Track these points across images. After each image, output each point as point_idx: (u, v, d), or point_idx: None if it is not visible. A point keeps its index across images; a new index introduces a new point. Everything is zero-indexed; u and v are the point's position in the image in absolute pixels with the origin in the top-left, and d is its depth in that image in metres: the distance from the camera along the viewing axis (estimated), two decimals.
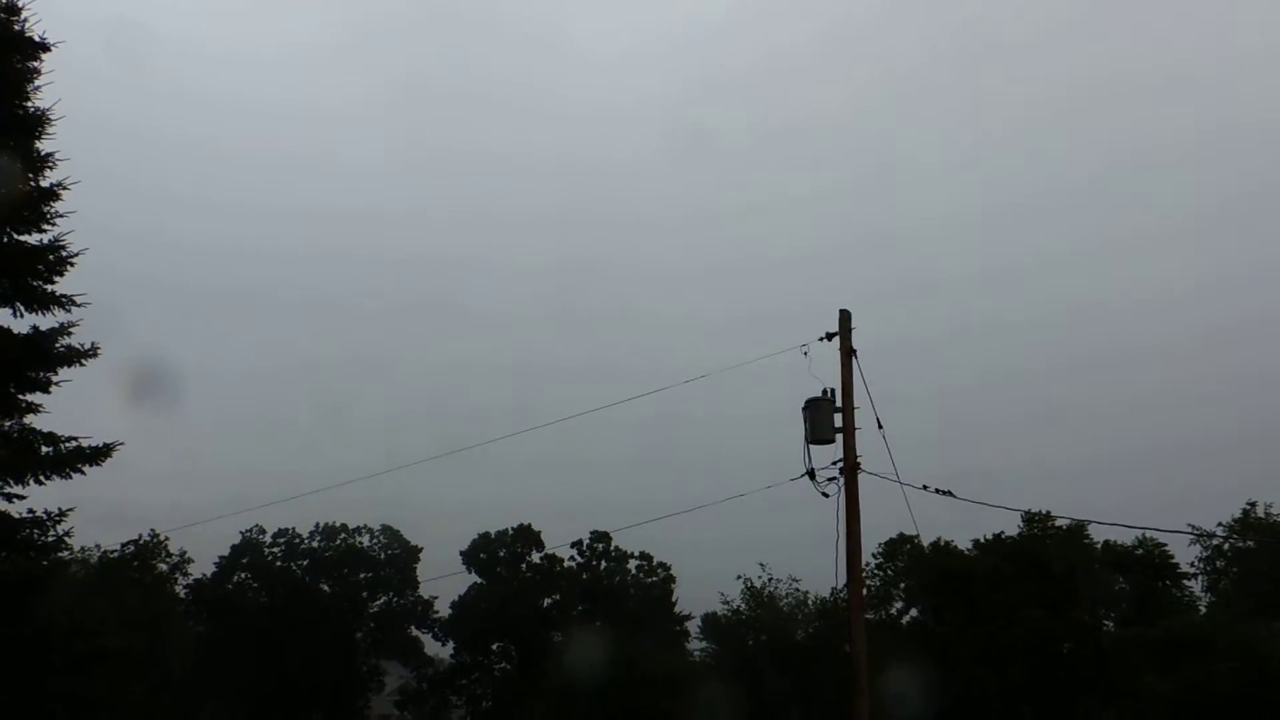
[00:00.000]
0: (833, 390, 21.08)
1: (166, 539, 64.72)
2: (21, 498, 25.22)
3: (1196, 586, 54.71)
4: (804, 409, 21.06)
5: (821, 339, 21.35)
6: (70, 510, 25.33)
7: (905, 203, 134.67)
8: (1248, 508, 52.79)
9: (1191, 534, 49.38)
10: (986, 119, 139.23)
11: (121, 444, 25.65)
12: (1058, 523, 46.66)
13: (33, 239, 25.18)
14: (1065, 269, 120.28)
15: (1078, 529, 46.36)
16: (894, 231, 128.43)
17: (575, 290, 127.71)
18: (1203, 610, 52.01)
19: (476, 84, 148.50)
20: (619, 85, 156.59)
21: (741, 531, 66.43)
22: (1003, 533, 48.54)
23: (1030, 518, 47.03)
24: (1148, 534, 47.86)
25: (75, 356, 25.10)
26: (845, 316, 21.49)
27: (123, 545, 63.37)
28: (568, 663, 56.58)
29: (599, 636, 60.07)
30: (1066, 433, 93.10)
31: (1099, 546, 47.67)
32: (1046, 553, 46.35)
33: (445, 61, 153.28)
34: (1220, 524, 53.41)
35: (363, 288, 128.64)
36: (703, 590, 72.02)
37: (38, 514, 25.23)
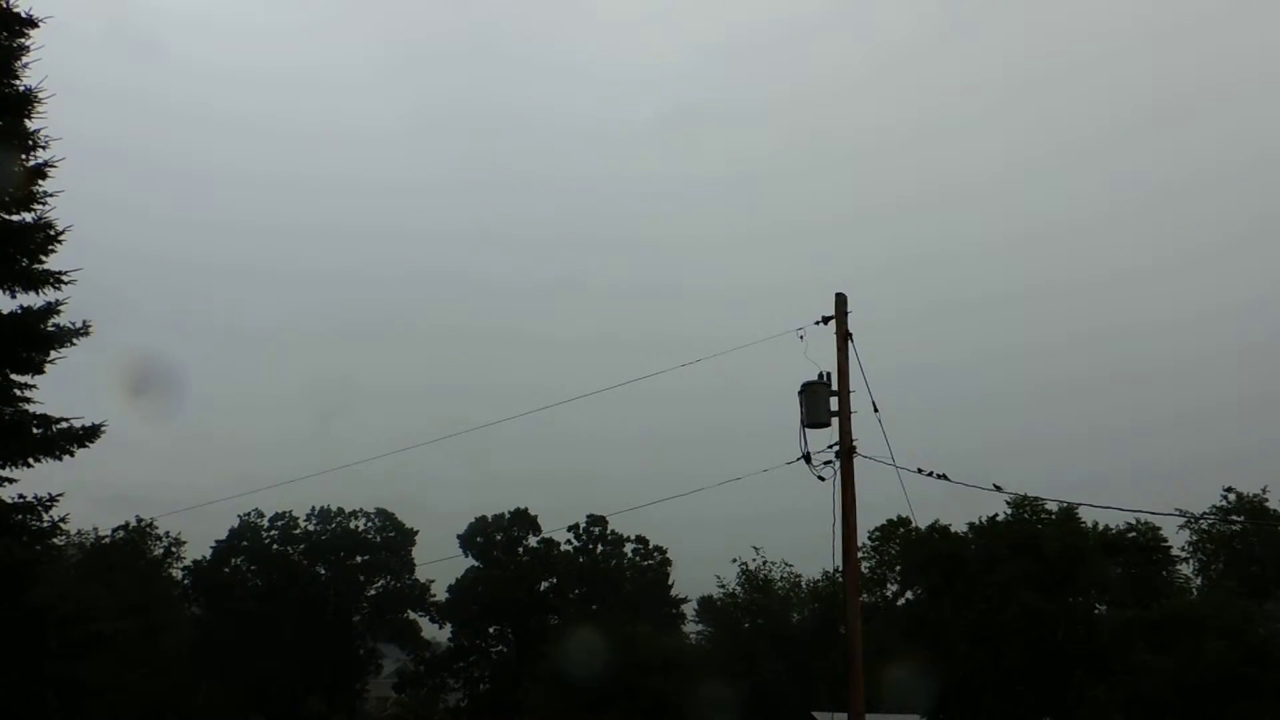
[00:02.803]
0: (829, 374, 20.94)
1: (155, 522, 64.72)
2: (13, 480, 25.08)
3: (1187, 569, 55.01)
4: (800, 393, 20.93)
5: (818, 323, 21.20)
6: (60, 496, 25.20)
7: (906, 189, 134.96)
8: (1225, 493, 52.98)
9: (1180, 516, 49.51)
10: (982, 83, 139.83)
11: (107, 424, 25.52)
12: (1048, 506, 46.65)
13: (20, 218, 24.97)
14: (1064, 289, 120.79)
15: (1069, 513, 46.32)
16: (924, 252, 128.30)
17: (579, 280, 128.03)
18: (1194, 593, 52.15)
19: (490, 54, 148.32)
20: (633, 53, 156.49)
21: (738, 515, 66.64)
22: (997, 515, 48.55)
23: (1019, 502, 46.89)
24: (1140, 518, 48.04)
25: (66, 336, 24.93)
26: (841, 300, 21.34)
27: (114, 530, 63.37)
28: (564, 646, 56.66)
29: (595, 619, 60.16)
30: (1063, 426, 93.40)
31: (1090, 529, 47.63)
32: (1039, 536, 46.33)
33: (463, 81, 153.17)
34: (1210, 509, 53.65)
35: (368, 293, 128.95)
36: (699, 573, 72.30)
37: (27, 499, 25.07)
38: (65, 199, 25.26)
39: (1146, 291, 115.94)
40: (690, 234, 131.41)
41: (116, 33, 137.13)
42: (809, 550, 54.20)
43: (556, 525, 73.55)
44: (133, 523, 64.13)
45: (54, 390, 25.82)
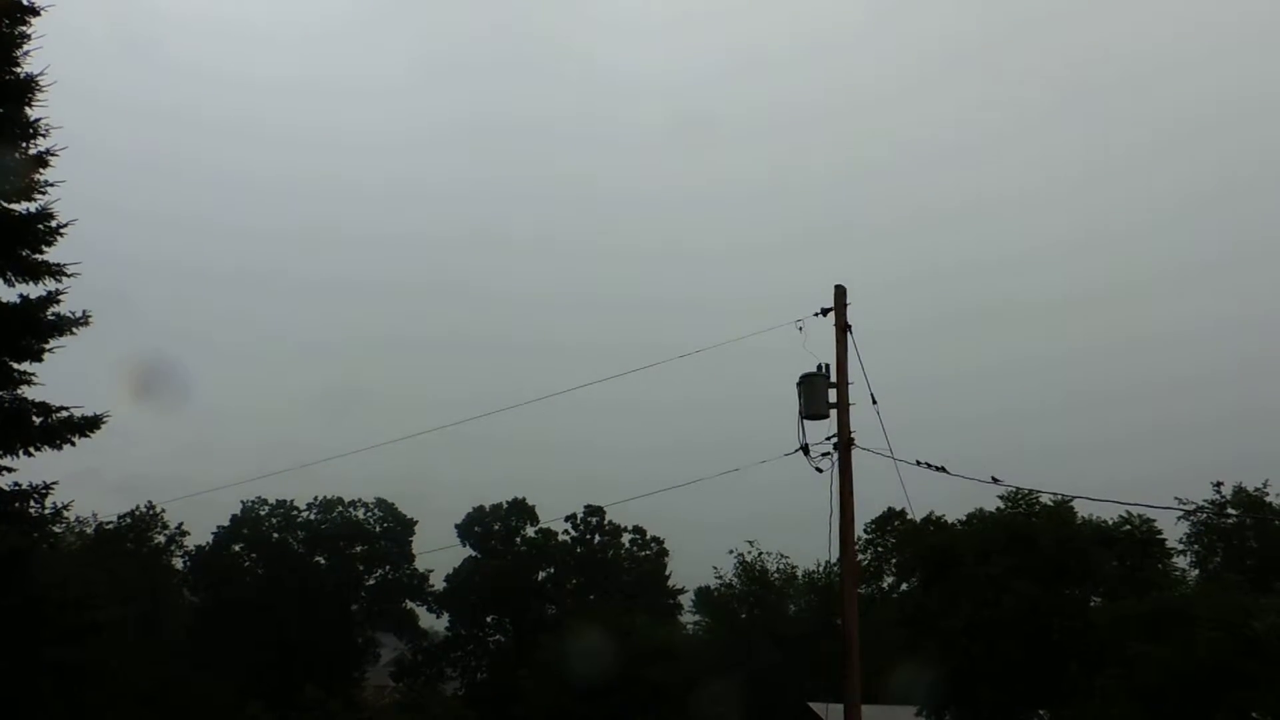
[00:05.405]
0: (828, 366, 21.00)
1: (163, 511, 64.90)
2: (12, 470, 25.14)
3: (1184, 562, 55.05)
4: (798, 384, 21.00)
5: (816, 314, 21.24)
6: (54, 484, 25.25)
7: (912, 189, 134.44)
8: (1216, 486, 52.90)
9: (1179, 509, 49.51)
10: (997, 107, 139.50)
11: (109, 414, 25.60)
12: (1042, 499, 46.64)
13: (21, 207, 24.98)
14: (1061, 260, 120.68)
15: (1063, 505, 46.36)
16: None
17: (581, 270, 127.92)
18: (1189, 586, 52.21)
19: (492, 55, 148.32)
20: (635, 60, 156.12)
21: (737, 507, 66.83)
22: (996, 508, 48.56)
23: (1013, 495, 46.88)
24: (1134, 511, 47.98)
25: (66, 325, 24.97)
26: (840, 292, 21.38)
27: (119, 517, 63.48)
28: (562, 636, 56.82)
29: (593, 609, 60.33)
30: (1064, 436, 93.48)
31: (1081, 521, 47.66)
32: (1033, 528, 46.38)
33: (468, 29, 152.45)
34: (1208, 500, 53.58)
35: (369, 274, 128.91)
36: (697, 565, 72.50)
37: (23, 486, 25.10)
38: (74, 202, 25.36)
39: (1150, 304, 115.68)
40: (697, 243, 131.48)
41: (119, 37, 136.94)
42: (808, 543, 54.48)
43: (554, 515, 73.73)
44: (141, 509, 64.35)
45: (64, 384, 25.99)
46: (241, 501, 70.88)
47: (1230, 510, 52.43)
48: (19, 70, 24.81)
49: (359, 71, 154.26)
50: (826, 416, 20.84)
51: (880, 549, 55.08)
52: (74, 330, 25.10)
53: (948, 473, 21.70)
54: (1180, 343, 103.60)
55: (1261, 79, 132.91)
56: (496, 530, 72.04)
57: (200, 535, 69.63)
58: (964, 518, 50.44)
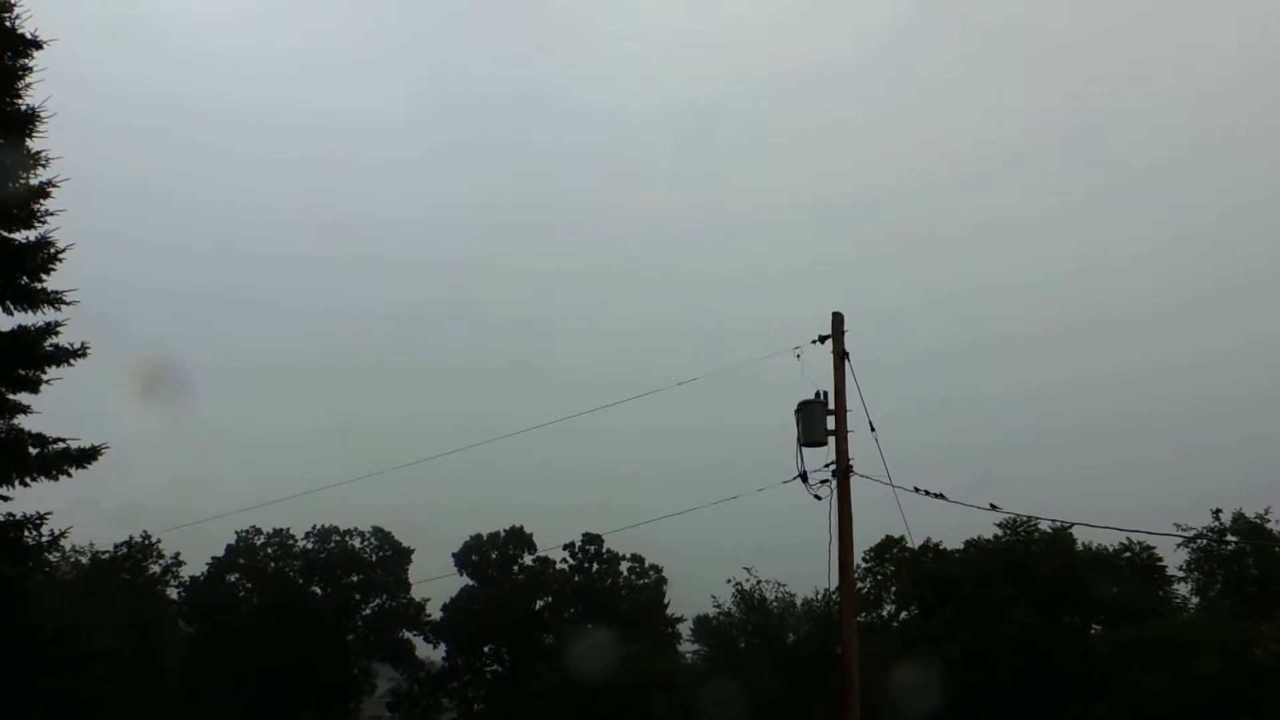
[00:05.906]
0: (826, 393, 21.06)
1: (159, 541, 64.63)
2: (7, 499, 25.07)
3: (1185, 589, 54.84)
4: (797, 411, 21.09)
5: (815, 342, 21.34)
6: (49, 514, 25.19)
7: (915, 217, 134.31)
8: (1215, 513, 52.79)
9: (1179, 535, 49.38)
10: (996, 137, 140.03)
11: (108, 446, 25.53)
12: (1041, 526, 46.60)
13: (21, 236, 25.11)
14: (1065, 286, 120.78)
15: (1062, 532, 46.31)
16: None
17: (580, 297, 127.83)
18: (1189, 612, 52.00)
19: (498, 80, 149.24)
20: (641, 84, 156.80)
21: (736, 535, 66.57)
22: (994, 535, 48.47)
23: (1012, 522, 46.79)
24: (1134, 538, 47.90)
25: (64, 356, 25.01)
26: (838, 319, 21.49)
27: (115, 546, 63.23)
28: (560, 665, 56.51)
29: (591, 638, 60.01)
30: (1057, 442, 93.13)
31: (1080, 548, 47.58)
32: (1033, 555, 46.33)
33: (473, 61, 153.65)
34: (1207, 528, 53.45)
35: (369, 293, 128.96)
36: (696, 593, 72.08)
37: (17, 517, 25.02)
38: (73, 230, 25.44)
39: (1150, 332, 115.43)
40: (696, 271, 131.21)
41: (123, 69, 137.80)
42: (807, 572, 54.18)
43: (552, 543, 73.49)
44: (137, 538, 64.09)
45: (59, 410, 25.95)
46: (236, 532, 70.75)
47: (1230, 537, 52.25)
48: (21, 102, 25.03)
49: (364, 102, 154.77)
50: (825, 444, 20.90)
51: (879, 576, 54.80)
52: (71, 361, 25.14)
53: (946, 499, 21.75)
54: (1181, 370, 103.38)
55: (1263, 112, 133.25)
56: (494, 559, 71.79)
57: (196, 565, 69.44)
58: (962, 545, 50.42)
